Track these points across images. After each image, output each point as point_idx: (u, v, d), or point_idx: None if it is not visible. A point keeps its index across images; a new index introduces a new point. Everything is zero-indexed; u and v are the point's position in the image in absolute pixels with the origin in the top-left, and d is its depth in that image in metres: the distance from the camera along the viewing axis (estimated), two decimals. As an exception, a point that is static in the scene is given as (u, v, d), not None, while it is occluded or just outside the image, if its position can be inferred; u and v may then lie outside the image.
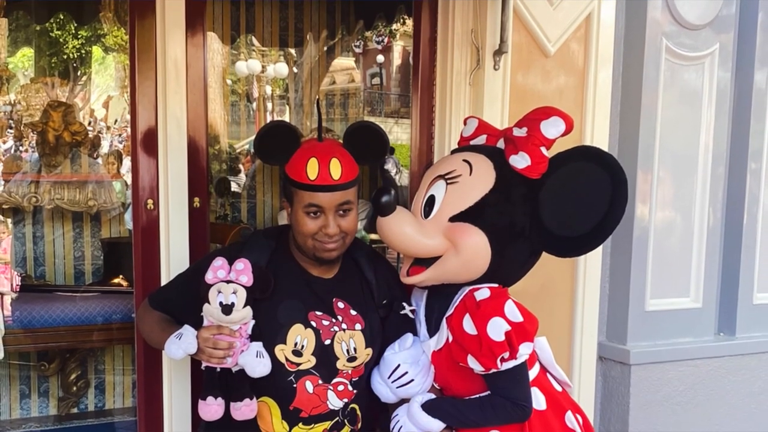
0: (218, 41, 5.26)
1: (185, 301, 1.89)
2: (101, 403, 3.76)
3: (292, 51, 7.93)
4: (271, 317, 1.85)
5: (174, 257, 2.38)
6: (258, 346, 1.79)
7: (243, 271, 1.78)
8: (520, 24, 2.66)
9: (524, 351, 1.79)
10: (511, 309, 1.78)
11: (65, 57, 7.32)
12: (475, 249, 1.83)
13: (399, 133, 12.86)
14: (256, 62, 9.34)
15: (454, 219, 1.85)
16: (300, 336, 1.86)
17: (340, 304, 1.93)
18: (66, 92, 6.09)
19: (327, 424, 1.90)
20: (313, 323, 1.88)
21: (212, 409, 1.79)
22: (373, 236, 3.88)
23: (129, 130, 2.71)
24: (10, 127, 6.77)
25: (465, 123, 2.16)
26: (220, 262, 1.79)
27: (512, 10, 2.51)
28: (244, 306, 1.76)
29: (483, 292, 1.85)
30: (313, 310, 1.89)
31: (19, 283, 3.63)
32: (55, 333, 3.38)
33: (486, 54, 2.59)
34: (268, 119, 10.89)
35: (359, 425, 1.97)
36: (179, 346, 1.76)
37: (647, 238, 3.13)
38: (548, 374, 2.03)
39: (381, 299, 1.99)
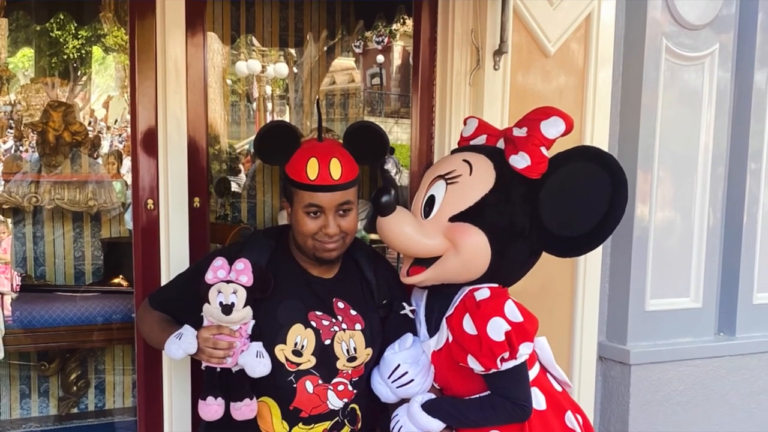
0: (218, 41, 5.26)
1: (185, 301, 1.89)
2: (101, 403, 3.76)
3: (292, 51, 7.93)
4: (271, 317, 1.85)
5: (174, 257, 2.38)
6: (258, 346, 1.80)
7: (243, 271, 1.78)
8: (520, 24, 2.66)
9: (524, 351, 1.79)
10: (511, 309, 1.78)
11: (65, 57, 7.32)
12: (475, 249, 1.83)
13: (399, 133, 12.86)
14: (256, 62, 9.35)
15: (454, 219, 1.85)
16: (300, 336, 1.86)
17: (340, 304, 1.93)
18: (66, 92, 6.09)
19: (327, 424, 1.90)
20: (313, 323, 1.88)
21: (212, 409, 1.79)
22: (373, 236, 3.88)
23: (129, 130, 2.71)
24: (11, 127, 6.77)
25: (465, 123, 2.16)
26: (220, 262, 1.79)
27: (512, 10, 2.51)
28: (244, 306, 1.76)
29: (483, 292, 1.85)
30: (313, 310, 1.89)
31: (20, 283, 3.63)
32: (55, 333, 3.38)
33: (486, 54, 2.59)
34: (268, 119, 10.90)
35: (359, 425, 1.97)
36: (179, 346, 1.76)
37: (647, 238, 3.13)
38: (548, 374, 2.03)
39: (381, 299, 1.99)
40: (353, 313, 1.93)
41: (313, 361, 1.86)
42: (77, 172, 3.79)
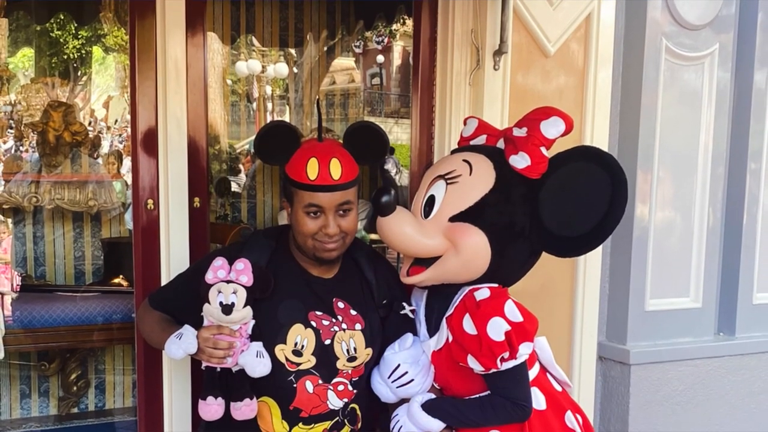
0: (218, 41, 5.26)
1: (185, 301, 1.89)
2: (101, 403, 3.76)
3: (292, 51, 7.94)
4: (271, 317, 1.85)
5: (174, 257, 2.38)
6: (258, 346, 1.80)
7: (243, 271, 1.78)
8: (520, 24, 2.66)
9: (524, 351, 1.79)
10: (511, 309, 1.78)
11: (65, 57, 7.32)
12: (475, 249, 1.84)
13: (399, 133, 12.86)
14: (256, 62, 9.35)
15: (454, 219, 1.86)
16: (300, 336, 1.86)
17: (340, 304, 1.93)
18: (66, 92, 6.09)
19: (327, 424, 1.90)
20: (313, 323, 1.88)
21: (212, 409, 1.79)
22: (373, 236, 3.88)
23: (129, 130, 2.71)
24: (11, 127, 6.78)
25: (465, 123, 2.16)
26: (220, 262, 1.79)
27: (512, 10, 2.51)
28: (244, 306, 1.77)
29: (483, 292, 1.85)
30: (313, 310, 1.89)
31: (20, 283, 3.64)
32: (55, 333, 3.38)
33: (486, 54, 2.60)
34: (268, 119, 10.90)
35: (359, 425, 1.97)
36: (179, 346, 1.76)
37: (647, 238, 3.13)
38: (548, 374, 2.03)
39: (381, 299, 1.99)
40: (353, 313, 1.93)
41: (313, 361, 1.86)
42: (77, 172, 3.80)
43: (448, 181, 1.89)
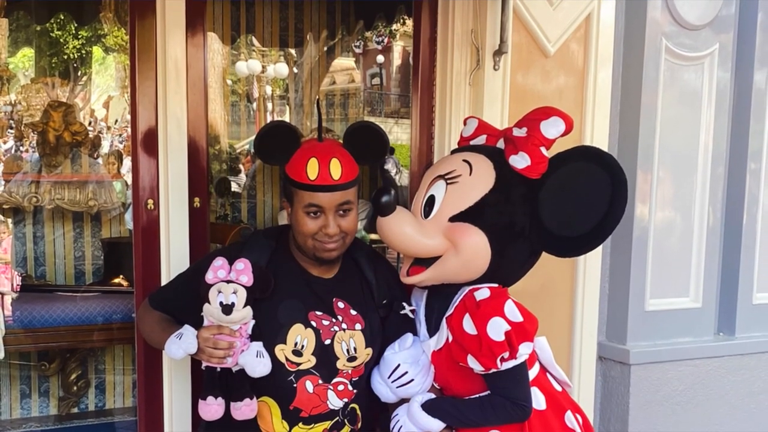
0: (218, 41, 5.27)
1: (185, 301, 1.89)
2: (101, 403, 3.76)
3: (292, 51, 7.94)
4: (271, 317, 1.85)
5: (174, 257, 2.38)
6: (258, 345, 1.80)
7: (243, 271, 1.78)
8: (520, 24, 2.66)
9: (524, 351, 1.79)
10: (510, 309, 1.78)
11: (66, 57, 7.33)
12: (475, 249, 1.84)
13: (399, 133, 12.86)
14: (257, 62, 9.35)
15: (454, 219, 1.86)
16: (300, 336, 1.86)
17: (340, 304, 1.93)
18: (66, 92, 6.10)
19: (327, 424, 1.90)
20: (313, 323, 1.88)
21: (212, 408, 1.79)
22: (373, 236, 3.88)
23: (129, 130, 2.71)
24: (11, 127, 6.78)
25: (465, 123, 2.16)
26: (220, 262, 1.79)
27: (512, 10, 2.51)
28: (245, 306, 1.77)
29: (483, 292, 1.85)
30: (313, 310, 1.89)
31: (20, 283, 3.64)
32: (55, 333, 3.38)
33: (486, 54, 2.60)
34: (269, 119, 10.90)
35: (359, 425, 1.97)
36: (179, 346, 1.76)
37: (647, 237, 3.13)
38: (548, 374, 2.03)
39: (381, 299, 1.99)
40: (353, 313, 1.94)
41: (313, 360, 1.87)
42: (77, 172, 3.80)
43: (448, 181, 1.89)
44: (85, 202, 3.74)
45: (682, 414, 3.24)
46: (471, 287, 1.88)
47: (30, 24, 5.08)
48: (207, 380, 1.81)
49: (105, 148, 6.64)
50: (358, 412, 1.96)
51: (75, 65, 7.43)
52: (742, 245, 3.39)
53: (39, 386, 3.64)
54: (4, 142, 7.34)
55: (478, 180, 1.87)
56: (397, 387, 1.90)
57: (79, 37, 7.37)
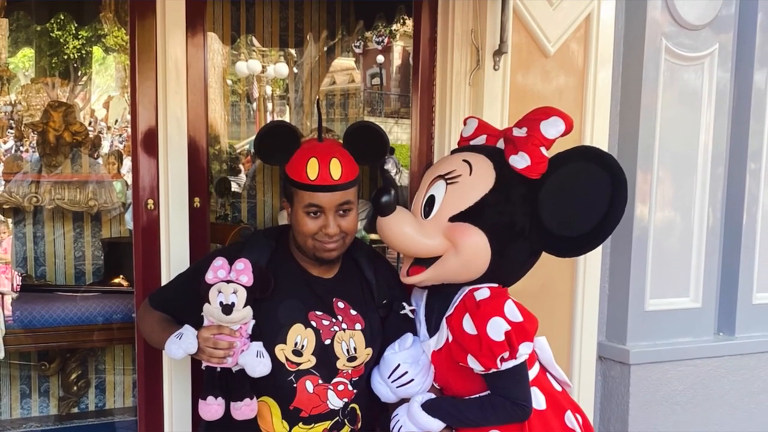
0: (218, 41, 5.27)
1: (185, 301, 1.89)
2: (102, 403, 3.76)
3: (293, 51, 7.94)
4: (271, 317, 1.85)
5: (174, 257, 2.38)
6: (258, 345, 1.80)
7: (243, 271, 1.78)
8: (520, 24, 2.66)
9: (524, 351, 1.79)
10: (510, 309, 1.78)
11: (66, 57, 7.33)
12: (474, 249, 1.84)
13: (399, 133, 12.86)
14: (257, 62, 9.35)
15: (454, 219, 1.86)
16: (300, 336, 1.86)
17: (340, 304, 1.93)
18: (66, 92, 6.10)
19: (327, 424, 1.90)
20: (313, 323, 1.88)
21: (212, 408, 1.79)
22: (373, 236, 3.88)
23: (129, 130, 2.71)
24: (11, 128, 6.78)
25: (465, 123, 2.16)
26: (220, 262, 1.79)
27: (512, 10, 2.52)
28: (245, 306, 1.77)
29: (483, 292, 1.85)
30: (313, 310, 1.90)
31: (20, 283, 3.64)
32: (55, 333, 3.38)
33: (486, 54, 2.60)
34: (269, 119, 10.90)
35: (359, 425, 1.97)
36: (179, 346, 1.76)
37: (647, 237, 3.14)
38: (548, 374, 2.03)
39: (381, 299, 1.99)
40: (353, 312, 1.94)
41: (313, 360, 1.87)
42: (77, 172, 3.80)
43: (448, 181, 1.89)
44: (85, 202, 3.74)
45: (682, 414, 3.24)
46: (471, 287, 1.88)
47: (30, 24, 5.09)
48: (207, 380, 1.81)
49: (105, 148, 6.64)
50: (358, 412, 1.96)
51: (75, 65, 7.44)
52: (741, 245, 3.39)
53: (39, 386, 3.64)
54: (5, 142, 7.34)
55: (478, 180, 1.87)
56: (397, 387, 1.90)
57: (80, 37, 7.38)
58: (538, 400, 1.91)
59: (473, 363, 1.80)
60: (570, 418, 1.95)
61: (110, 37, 5.89)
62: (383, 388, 1.94)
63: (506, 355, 1.75)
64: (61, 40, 7.23)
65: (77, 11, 4.70)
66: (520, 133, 1.87)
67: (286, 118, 9.46)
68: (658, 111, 3.09)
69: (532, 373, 1.93)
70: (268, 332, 1.84)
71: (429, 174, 1.99)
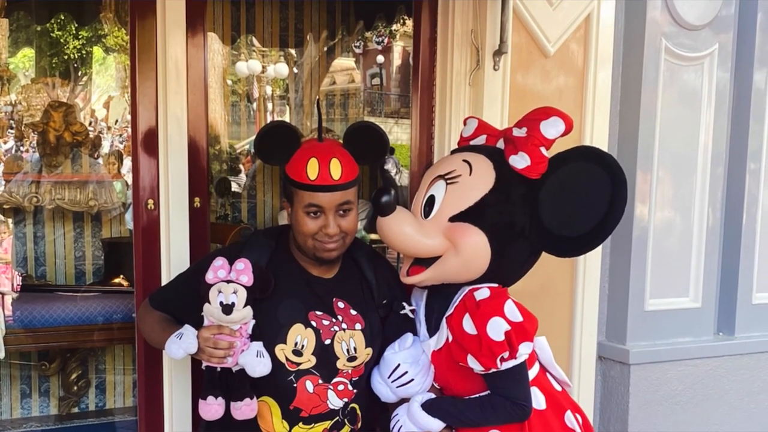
0: (218, 41, 5.27)
1: (185, 301, 1.89)
2: (102, 403, 3.76)
3: (293, 51, 7.93)
4: (271, 317, 1.86)
5: (174, 257, 2.38)
6: (258, 345, 1.80)
7: (243, 270, 1.78)
8: (520, 24, 2.66)
9: (524, 351, 1.79)
10: (510, 309, 1.79)
11: (66, 57, 7.33)
12: (474, 249, 1.84)
13: (399, 133, 12.86)
14: (257, 62, 9.34)
15: (454, 219, 1.86)
16: (300, 336, 1.86)
17: (340, 304, 1.93)
18: (67, 92, 6.10)
19: (327, 424, 1.90)
20: (314, 323, 1.88)
21: (212, 408, 1.79)
22: (373, 236, 3.89)
23: (129, 130, 2.71)
24: (11, 128, 6.77)
25: (465, 123, 2.16)
26: (220, 261, 1.80)
27: (512, 10, 2.52)
28: (245, 306, 1.77)
29: (483, 292, 1.85)
30: (313, 310, 1.90)
31: (20, 283, 3.64)
32: (55, 333, 3.39)
33: (486, 54, 2.60)
34: (269, 119, 10.89)
35: (359, 425, 1.97)
36: (180, 346, 1.76)
37: (647, 238, 3.14)
38: (548, 374, 2.03)
39: (381, 299, 1.99)
40: (353, 312, 1.94)
41: (314, 360, 1.87)
42: (78, 172, 3.80)
43: (448, 181, 1.89)
44: (86, 202, 3.74)
45: (681, 414, 3.24)
46: (471, 287, 1.88)
47: (30, 24, 5.09)
48: (207, 380, 1.81)
49: (105, 148, 6.64)
50: (358, 411, 1.96)
51: (75, 65, 7.43)
52: (741, 245, 3.39)
53: (39, 386, 3.64)
54: (5, 143, 7.34)
55: (478, 180, 1.87)
56: (397, 387, 1.90)
57: (80, 37, 7.37)
58: (538, 399, 1.91)
59: (473, 363, 1.80)
60: (570, 418, 1.96)
61: (110, 37, 5.89)
62: (383, 388, 1.95)
63: (506, 355, 1.76)
64: (62, 41, 7.23)
65: (77, 11, 4.71)
66: (520, 133, 1.87)
67: (286, 118, 9.46)
68: (657, 111, 3.09)
69: (532, 373, 1.93)
70: (268, 332, 1.84)
71: (429, 174, 1.99)
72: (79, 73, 7.61)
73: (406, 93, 14.42)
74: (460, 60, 2.63)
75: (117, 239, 3.93)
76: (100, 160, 4.34)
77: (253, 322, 1.81)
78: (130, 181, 3.38)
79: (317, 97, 6.73)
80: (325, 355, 1.88)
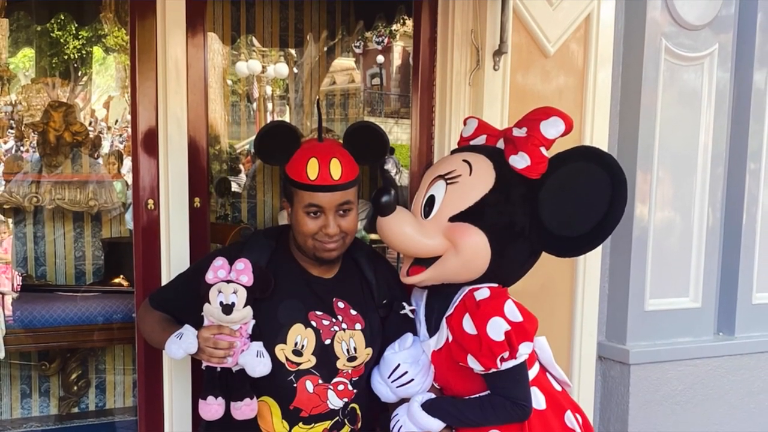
0: (218, 41, 5.27)
1: (186, 301, 1.89)
2: (102, 403, 3.76)
3: (293, 51, 7.93)
4: (271, 317, 1.86)
5: (174, 257, 2.38)
6: (258, 345, 1.80)
7: (243, 270, 1.78)
8: (520, 24, 2.66)
9: (524, 351, 1.80)
10: (510, 309, 1.79)
11: (66, 57, 7.33)
12: (474, 249, 1.84)
13: (399, 133, 12.86)
14: (257, 62, 9.34)
15: (454, 219, 1.86)
16: (300, 336, 1.86)
17: (340, 304, 1.93)
18: (67, 92, 6.10)
19: (327, 424, 1.90)
20: (314, 323, 1.88)
21: (212, 408, 1.79)
22: (373, 236, 3.89)
23: (129, 130, 2.71)
24: (11, 128, 6.77)
25: (465, 123, 2.16)
26: (220, 261, 1.80)
27: (512, 10, 2.52)
28: (245, 306, 1.77)
29: (483, 292, 1.85)
30: (313, 310, 1.90)
31: (20, 283, 3.64)
32: (55, 333, 3.39)
33: (486, 54, 2.60)
34: (269, 119, 10.90)
35: (359, 425, 1.97)
36: (180, 346, 1.76)
37: (647, 238, 3.14)
38: (548, 374, 2.03)
39: (381, 299, 1.99)
40: (353, 312, 1.94)
41: (314, 360, 1.87)
42: (78, 172, 3.80)
43: (448, 181, 1.89)
44: (86, 202, 3.74)
45: (681, 414, 3.25)
46: (471, 287, 1.88)
47: (30, 24, 5.09)
48: (207, 380, 1.81)
49: (105, 148, 6.64)
50: (358, 411, 1.96)
51: (75, 65, 7.44)
52: (741, 245, 3.39)
53: (39, 386, 3.65)
54: (5, 142, 7.34)
55: (478, 180, 1.87)
56: (397, 387, 1.90)
57: (80, 37, 7.38)
58: (538, 399, 1.91)
59: (473, 363, 1.80)
60: (570, 418, 1.96)
61: (110, 37, 5.90)
62: (383, 388, 1.95)
63: (506, 354, 1.76)
64: (62, 41, 7.23)
65: (77, 11, 4.71)
66: (520, 133, 1.87)
67: (286, 118, 9.46)
68: (657, 111, 3.09)
69: (532, 373, 1.93)
70: (268, 332, 1.84)
71: (429, 174, 1.99)
72: (79, 73, 7.61)
73: (406, 93, 14.42)
74: (460, 60, 2.63)
75: (117, 239, 3.93)
76: (100, 160, 4.34)
77: (253, 322, 1.81)
78: (130, 181, 3.38)
79: (317, 97, 6.73)
80: (325, 355, 1.88)
